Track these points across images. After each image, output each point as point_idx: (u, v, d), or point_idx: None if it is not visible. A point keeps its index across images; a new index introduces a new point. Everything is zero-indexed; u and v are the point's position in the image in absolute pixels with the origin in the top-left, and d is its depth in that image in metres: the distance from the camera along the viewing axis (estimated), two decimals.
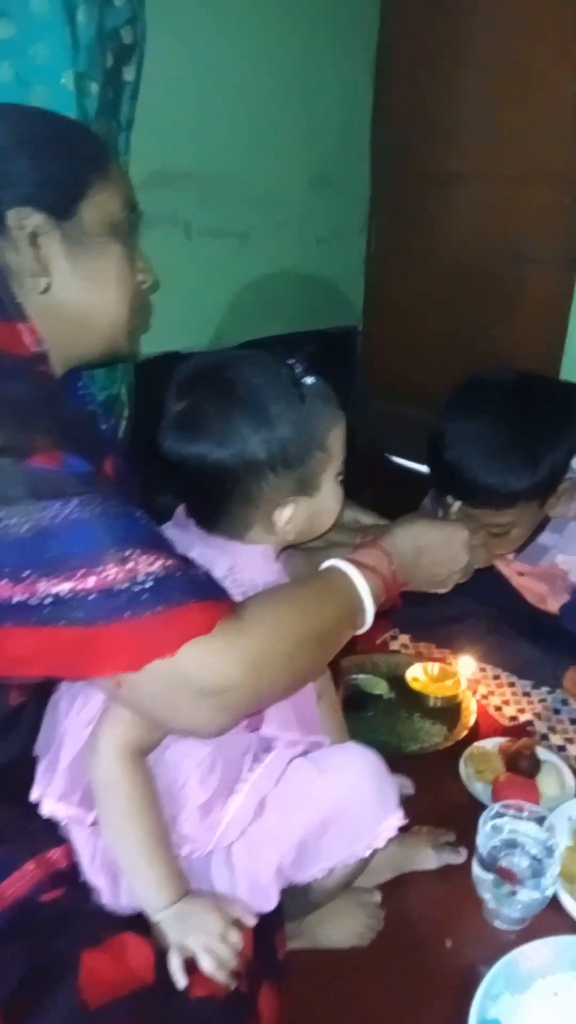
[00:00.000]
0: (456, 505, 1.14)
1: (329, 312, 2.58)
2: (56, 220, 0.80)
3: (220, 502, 0.86)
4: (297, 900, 0.93)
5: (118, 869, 0.81)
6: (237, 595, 0.84)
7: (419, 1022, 0.96)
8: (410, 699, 1.48)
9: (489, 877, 1.03)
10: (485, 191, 2.30)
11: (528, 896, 1.02)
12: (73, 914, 0.78)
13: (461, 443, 1.18)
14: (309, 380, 0.86)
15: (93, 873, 0.82)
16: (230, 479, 0.83)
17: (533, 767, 1.28)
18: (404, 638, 1.70)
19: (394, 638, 1.70)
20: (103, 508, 0.72)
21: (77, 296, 0.83)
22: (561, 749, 1.40)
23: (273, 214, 2.30)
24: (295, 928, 1.00)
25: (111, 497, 0.73)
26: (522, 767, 1.28)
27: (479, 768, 1.29)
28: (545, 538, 1.34)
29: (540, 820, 1.08)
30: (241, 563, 0.87)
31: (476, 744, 1.34)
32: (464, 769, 1.30)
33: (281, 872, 0.85)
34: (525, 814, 1.08)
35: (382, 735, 1.39)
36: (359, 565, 0.89)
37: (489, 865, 1.03)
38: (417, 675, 1.51)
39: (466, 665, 1.55)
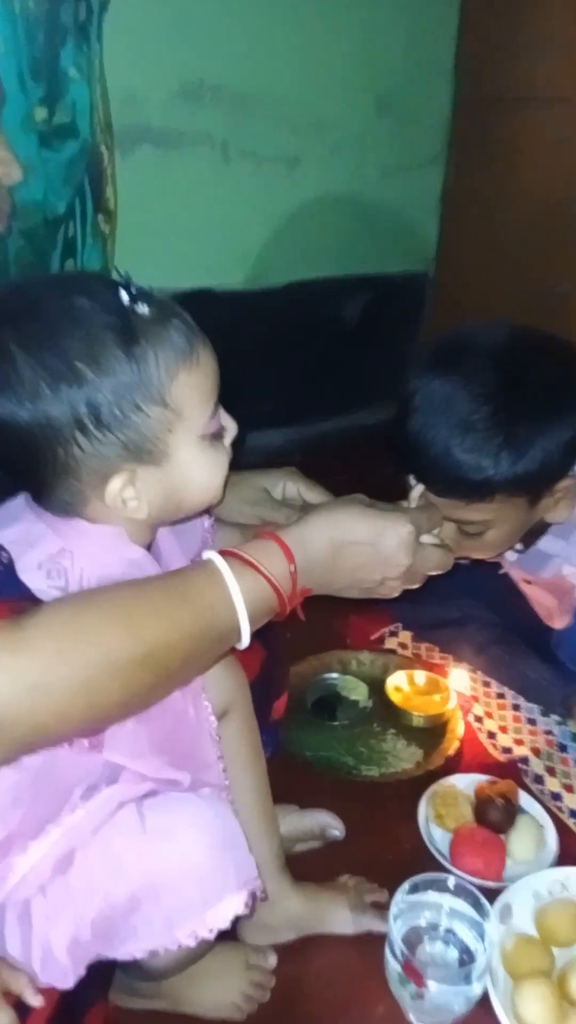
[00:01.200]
0: (417, 490, 0.90)
1: (392, 255, 2.29)
2: None
3: (34, 471, 0.68)
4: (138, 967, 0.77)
5: None
6: (55, 588, 0.67)
7: None
8: (389, 712, 1.27)
9: (396, 969, 0.82)
10: (572, 117, 1.94)
11: (442, 999, 0.81)
12: None
13: (429, 409, 0.93)
14: (143, 309, 0.66)
15: None
16: (30, 444, 0.66)
17: (505, 820, 1.05)
18: (405, 636, 1.47)
19: (393, 634, 1.48)
20: None
21: None
22: (556, 798, 1.15)
23: (327, 139, 2.03)
24: (153, 987, 0.83)
25: None
26: (491, 818, 1.05)
27: (441, 811, 1.07)
28: (547, 544, 1.08)
29: (474, 898, 0.86)
30: (75, 546, 0.70)
31: (445, 780, 1.11)
32: (424, 809, 1.08)
33: (78, 946, 0.68)
34: (451, 886, 0.86)
35: (338, 752, 1.18)
36: (242, 562, 0.69)
37: (396, 955, 0.82)
38: (400, 684, 1.29)
39: (460, 678, 1.31)
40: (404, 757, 1.20)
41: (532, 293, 2.04)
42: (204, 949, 0.77)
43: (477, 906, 0.85)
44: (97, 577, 0.68)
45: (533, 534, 1.07)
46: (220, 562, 0.69)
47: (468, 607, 1.38)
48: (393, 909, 0.83)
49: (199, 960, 0.83)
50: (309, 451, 2.11)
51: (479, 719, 1.29)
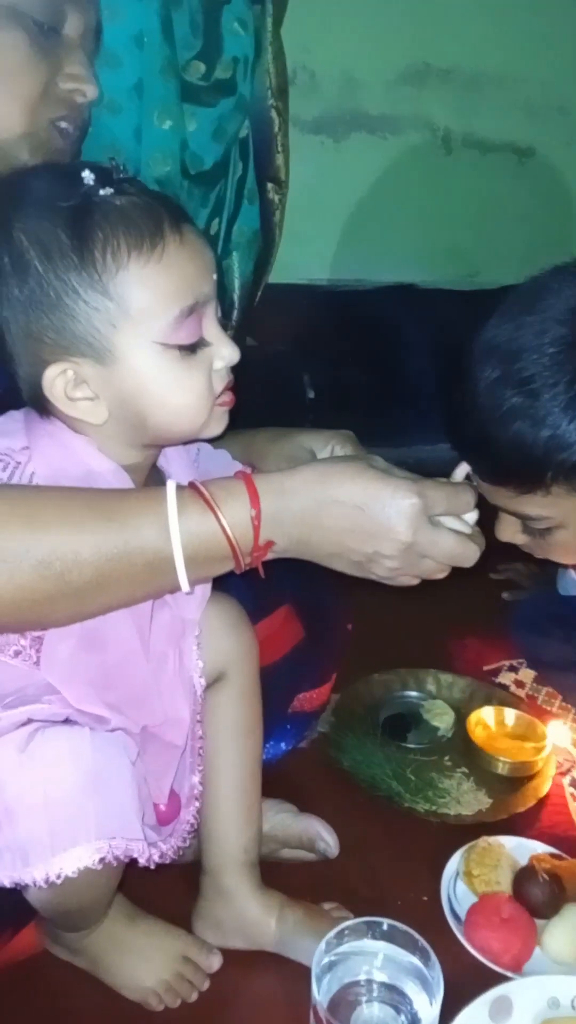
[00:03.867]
0: (461, 469, 0.75)
1: None
2: None
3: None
4: None
5: None
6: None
7: None
8: (470, 750, 1.09)
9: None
10: None
11: None
12: None
13: (482, 363, 0.76)
14: (106, 192, 0.62)
15: None
16: None
17: (548, 902, 0.84)
18: (527, 674, 1.26)
19: (513, 669, 1.27)
20: None
21: None
22: None
23: (569, 128, 1.84)
24: (74, 941, 0.78)
25: None
26: (530, 894, 0.85)
27: (475, 870, 0.88)
28: None
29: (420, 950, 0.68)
30: (37, 446, 0.67)
31: (495, 837, 0.92)
32: (455, 862, 0.90)
33: None
34: (386, 930, 0.69)
35: (383, 773, 1.03)
36: (196, 495, 0.63)
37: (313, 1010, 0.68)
38: (485, 720, 1.10)
39: (562, 732, 1.09)
40: (464, 802, 1.01)
41: None
42: (92, 908, 0.71)
43: (425, 959, 0.68)
44: (45, 478, 0.65)
45: None
46: (170, 489, 0.63)
47: None
48: (317, 959, 0.69)
49: (136, 928, 0.78)
50: None
51: None
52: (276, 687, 0.91)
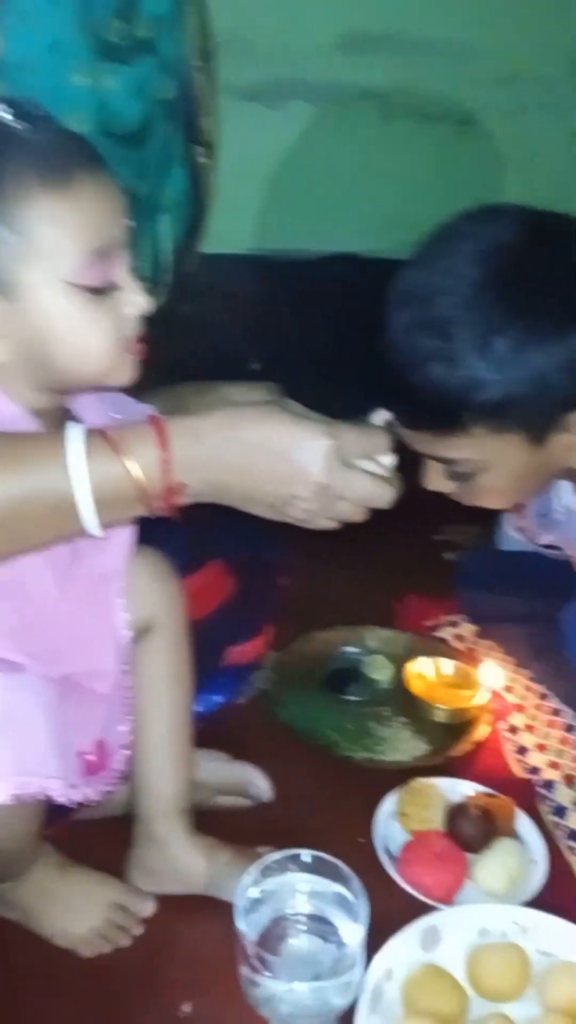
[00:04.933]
0: (378, 415, 0.76)
1: None
2: None
3: None
4: None
5: None
6: None
7: None
8: (409, 700, 1.10)
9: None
10: None
11: (283, 998, 0.66)
12: None
13: (398, 307, 0.76)
14: (19, 124, 0.61)
15: None
16: None
17: (478, 837, 0.85)
18: (467, 629, 1.28)
19: (453, 624, 1.29)
20: None
21: None
22: (574, 837, 0.92)
23: (510, 98, 1.86)
24: (7, 891, 0.78)
25: None
26: (461, 830, 0.86)
27: (408, 809, 0.90)
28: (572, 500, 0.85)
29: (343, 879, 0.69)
30: None
31: (429, 779, 0.93)
32: (389, 803, 0.91)
33: None
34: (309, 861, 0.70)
35: (321, 725, 1.04)
36: (102, 437, 0.62)
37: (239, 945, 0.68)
38: (423, 671, 1.12)
39: (492, 676, 1.10)
40: (402, 749, 1.03)
41: None
42: (14, 853, 0.71)
43: (349, 886, 0.69)
44: None
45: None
46: (75, 431, 0.62)
47: (540, 602, 1.16)
48: (240, 893, 0.69)
49: (67, 877, 0.78)
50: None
51: (514, 730, 1.07)
52: (208, 640, 0.91)
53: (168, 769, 0.82)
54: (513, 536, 1.27)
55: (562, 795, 0.97)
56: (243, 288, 1.78)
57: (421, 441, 0.78)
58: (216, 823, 0.86)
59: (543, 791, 0.98)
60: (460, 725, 1.06)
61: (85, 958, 0.77)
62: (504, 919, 0.77)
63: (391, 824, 0.90)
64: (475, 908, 0.78)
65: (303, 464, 0.63)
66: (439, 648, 1.19)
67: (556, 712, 1.10)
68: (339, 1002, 0.67)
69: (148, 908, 0.80)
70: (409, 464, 0.75)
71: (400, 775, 0.95)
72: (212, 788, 0.90)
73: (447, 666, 1.12)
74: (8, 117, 0.61)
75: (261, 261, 1.87)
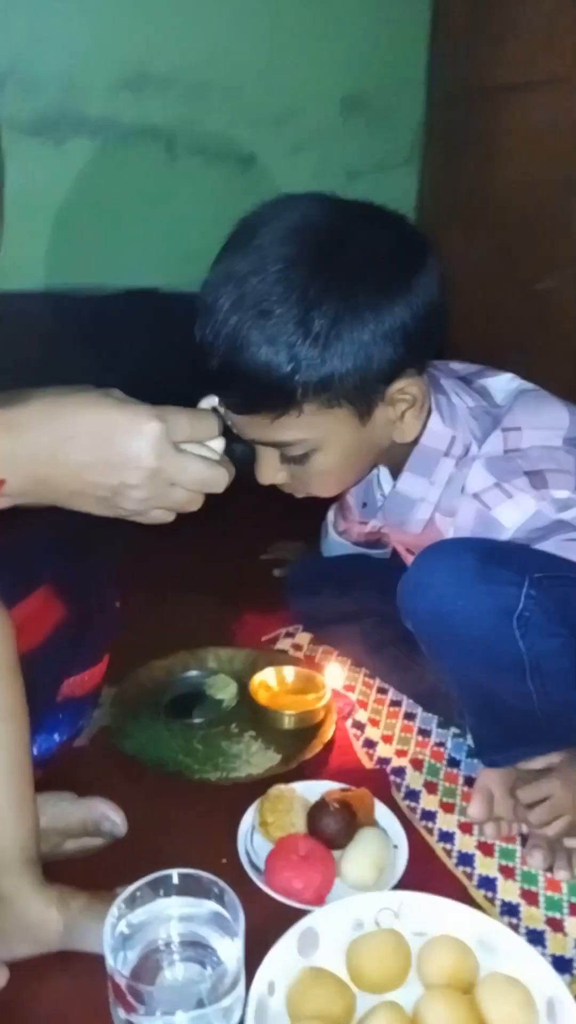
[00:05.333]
0: (206, 401, 0.75)
1: None
2: None
3: None
4: None
5: None
6: None
7: None
8: (255, 714, 1.08)
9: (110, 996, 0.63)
10: (549, 100, 1.81)
11: None
12: None
13: (216, 296, 0.77)
14: None
15: None
16: None
17: (341, 832, 0.85)
18: (303, 638, 1.29)
19: (290, 635, 1.30)
20: None
21: None
22: (428, 817, 0.94)
23: (287, 137, 1.96)
24: None
25: None
26: (323, 828, 0.85)
27: (269, 818, 0.87)
28: (407, 484, 0.89)
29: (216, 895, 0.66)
30: None
31: (284, 785, 0.92)
32: (250, 816, 0.89)
33: None
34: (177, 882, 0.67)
35: (170, 751, 1.00)
36: None
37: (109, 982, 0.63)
38: (267, 681, 1.11)
39: (334, 675, 1.12)
40: (255, 762, 1.01)
41: (513, 292, 1.89)
42: None
43: (220, 899, 0.66)
44: None
45: (401, 467, 0.89)
46: None
47: (369, 599, 1.19)
48: (108, 929, 0.64)
49: None
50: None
51: (359, 726, 1.09)
52: (41, 672, 0.85)
53: (9, 814, 0.74)
54: (336, 541, 1.31)
55: (413, 779, 1.00)
56: (38, 325, 1.72)
57: (253, 426, 0.78)
58: (67, 870, 0.79)
59: (395, 778, 0.99)
60: (308, 729, 1.05)
61: None
62: (375, 907, 0.77)
63: (254, 837, 0.87)
64: (346, 902, 0.77)
65: (132, 449, 0.60)
66: (279, 659, 1.19)
67: (397, 703, 1.14)
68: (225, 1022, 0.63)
69: (2, 977, 0.72)
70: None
71: (257, 788, 0.93)
72: (60, 833, 0.83)
73: (289, 673, 1.12)
74: None
75: (55, 297, 1.82)
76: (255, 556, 1.53)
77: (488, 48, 1.95)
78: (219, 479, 0.66)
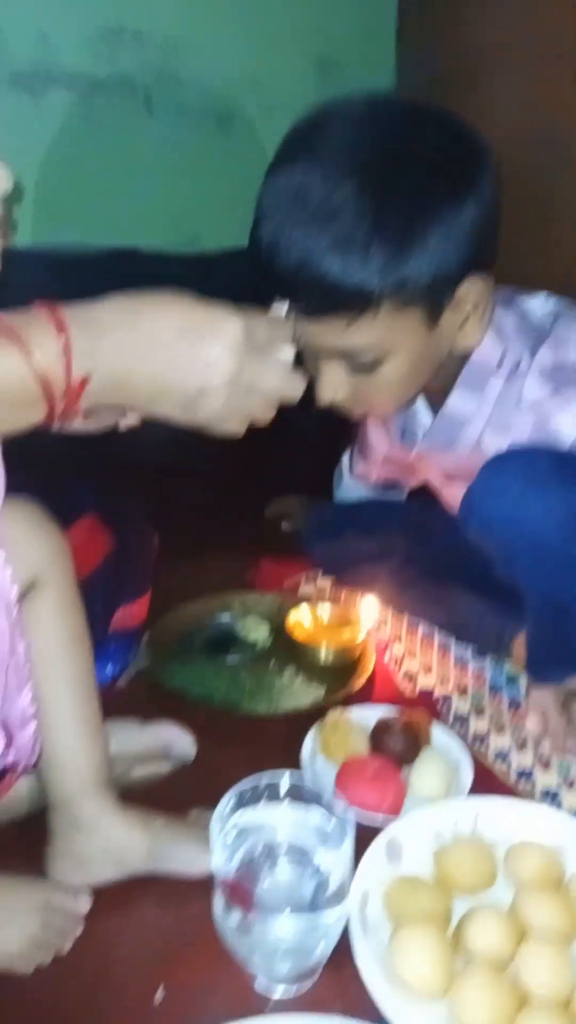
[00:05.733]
0: (278, 307, 0.73)
1: None
2: None
3: None
4: None
5: None
6: None
7: None
8: (291, 652, 1.07)
9: (219, 902, 0.62)
10: (521, 72, 1.85)
11: (279, 934, 0.60)
12: None
13: (279, 207, 0.75)
14: None
15: None
16: None
17: (407, 750, 0.85)
18: (324, 583, 1.28)
19: (311, 581, 1.29)
20: None
21: None
22: (480, 740, 0.94)
23: (264, 97, 1.94)
24: None
25: None
26: (389, 747, 0.85)
27: (330, 741, 0.87)
28: (458, 402, 0.89)
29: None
30: None
31: (340, 710, 0.91)
32: (310, 740, 0.88)
33: None
34: (286, 789, 0.66)
35: (218, 685, 0.98)
36: None
37: (217, 882, 0.62)
38: (301, 620, 1.10)
39: (370, 610, 1.12)
40: (302, 695, 0.99)
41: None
42: None
43: (327, 808, 0.65)
44: None
45: (444, 391, 0.89)
46: None
47: (391, 539, 1.19)
48: (214, 828, 0.62)
49: None
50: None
51: (397, 659, 1.09)
52: (94, 603, 0.82)
53: (83, 738, 0.71)
54: (351, 485, 1.30)
55: (459, 706, 1.00)
56: (22, 282, 1.66)
57: (326, 332, 0.77)
58: (136, 799, 0.77)
59: (441, 705, 1.00)
60: (347, 664, 1.05)
61: (25, 976, 0.64)
62: (454, 816, 0.77)
63: (317, 760, 0.86)
64: (425, 812, 0.77)
65: (216, 349, 0.58)
66: (305, 601, 1.18)
67: (428, 637, 1.14)
68: (332, 932, 0.62)
69: (85, 903, 0.69)
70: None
71: (304, 720, 0.91)
72: (128, 759, 0.80)
73: (324, 611, 1.11)
74: None
75: (34, 255, 1.77)
76: (259, 512, 1.51)
77: (460, 20, 1.97)
78: (296, 387, 0.64)
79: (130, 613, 0.91)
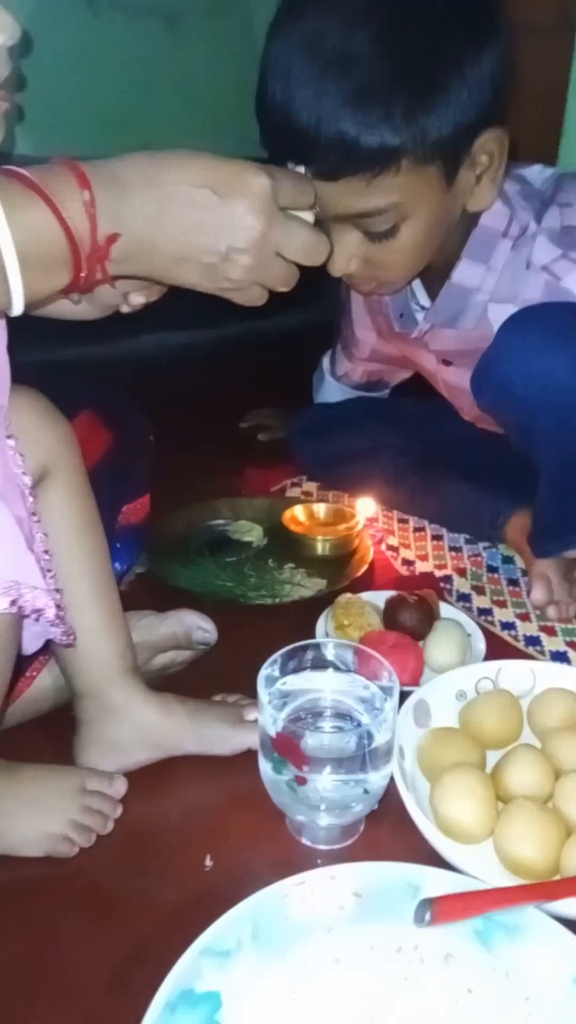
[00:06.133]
0: (296, 168, 0.70)
1: None
2: None
3: None
4: None
5: None
6: None
7: (116, 989, 0.56)
8: (287, 548, 1.07)
9: (269, 761, 0.62)
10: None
11: (331, 788, 0.61)
12: None
13: (290, 61, 0.71)
14: None
15: None
16: None
17: (422, 623, 0.86)
18: (310, 486, 1.28)
19: (296, 484, 1.28)
20: None
21: None
22: (485, 613, 0.96)
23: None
24: None
25: None
26: (405, 622, 0.86)
27: (344, 621, 0.87)
28: (463, 273, 0.87)
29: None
30: None
31: (344, 596, 0.91)
32: (323, 621, 0.88)
33: None
34: (330, 655, 0.66)
35: (223, 581, 0.98)
36: (16, 179, 0.49)
37: (266, 741, 0.62)
38: (297, 516, 1.09)
39: (365, 506, 1.12)
40: (305, 586, 1.00)
41: None
42: None
43: (383, 674, 0.65)
44: None
45: (447, 265, 0.88)
46: None
47: (380, 435, 1.18)
48: (262, 686, 0.62)
49: (18, 775, 0.64)
50: (215, 356, 1.87)
51: (393, 548, 1.10)
52: (98, 497, 0.79)
53: (107, 624, 0.70)
54: (333, 386, 1.29)
55: (460, 585, 1.02)
56: None
57: (346, 194, 0.73)
58: (157, 686, 0.76)
59: (445, 585, 1.01)
60: (345, 555, 1.05)
61: (68, 860, 0.63)
62: (476, 676, 0.78)
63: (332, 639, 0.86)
64: (449, 674, 0.78)
65: (240, 207, 0.55)
66: (295, 502, 1.17)
67: (420, 530, 1.15)
68: (374, 786, 0.63)
69: (121, 786, 0.68)
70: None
71: (311, 608, 0.92)
72: (150, 648, 0.79)
73: (319, 509, 1.11)
74: None
75: None
76: (234, 424, 1.49)
77: None
78: (322, 247, 0.61)
79: (135, 508, 0.88)
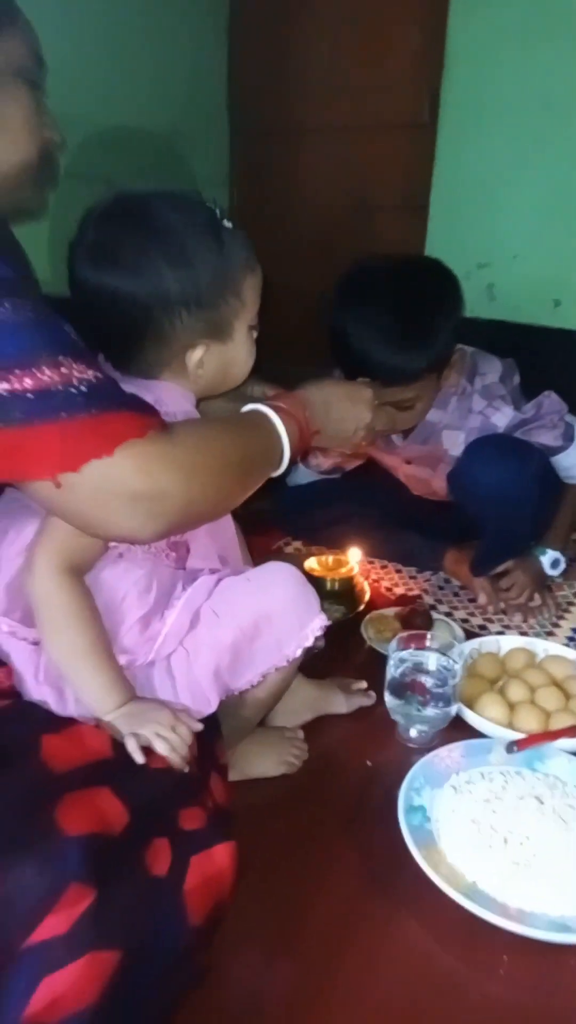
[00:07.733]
0: (363, 381, 1.24)
1: None
2: None
3: (132, 338, 0.88)
4: (233, 718, 0.99)
5: (63, 682, 0.84)
6: None
7: (355, 820, 1.03)
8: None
9: (399, 700, 1.13)
10: (336, 143, 2.43)
11: (435, 711, 1.13)
12: (26, 713, 0.80)
13: (363, 330, 1.28)
14: (228, 224, 0.89)
15: (38, 689, 0.84)
16: (142, 314, 0.85)
17: (427, 623, 1.40)
18: (297, 544, 1.78)
19: (287, 544, 1.78)
20: (34, 314, 0.73)
21: None
22: (448, 615, 1.53)
23: (134, 160, 2.33)
24: (232, 755, 1.05)
25: (40, 304, 0.75)
26: (417, 624, 1.40)
27: (379, 629, 1.40)
28: (432, 415, 1.47)
29: (443, 650, 1.19)
30: (164, 398, 0.89)
31: (374, 612, 1.44)
32: (366, 632, 1.40)
33: (219, 676, 0.91)
34: (429, 644, 1.19)
35: None
36: (276, 408, 0.94)
37: (398, 689, 1.13)
38: (313, 565, 1.60)
39: (355, 555, 1.65)
40: (334, 610, 1.50)
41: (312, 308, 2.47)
42: (283, 687, 1.02)
43: (446, 654, 1.19)
44: (173, 416, 0.90)
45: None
46: (266, 407, 0.94)
47: (349, 505, 1.72)
48: (390, 665, 1.14)
49: (263, 712, 1.07)
50: None
51: (376, 580, 1.64)
52: None
53: None
54: (304, 472, 1.81)
55: (428, 599, 1.57)
56: None
57: (394, 393, 1.32)
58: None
59: (419, 600, 1.56)
60: (349, 590, 1.57)
61: (283, 777, 1.09)
62: (469, 648, 1.34)
63: (377, 642, 1.38)
64: (458, 647, 1.33)
65: (362, 409, 1.07)
66: (295, 558, 1.67)
67: (385, 566, 1.70)
68: (453, 712, 1.16)
69: (301, 734, 1.15)
70: None
71: (339, 626, 1.43)
72: None
73: (327, 558, 1.62)
74: (228, 224, 0.89)
75: None
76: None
77: (280, 92, 2.50)
78: (392, 423, 1.19)
79: None
